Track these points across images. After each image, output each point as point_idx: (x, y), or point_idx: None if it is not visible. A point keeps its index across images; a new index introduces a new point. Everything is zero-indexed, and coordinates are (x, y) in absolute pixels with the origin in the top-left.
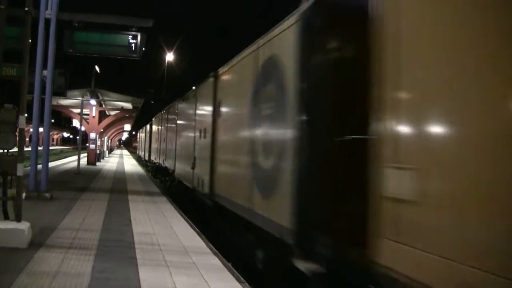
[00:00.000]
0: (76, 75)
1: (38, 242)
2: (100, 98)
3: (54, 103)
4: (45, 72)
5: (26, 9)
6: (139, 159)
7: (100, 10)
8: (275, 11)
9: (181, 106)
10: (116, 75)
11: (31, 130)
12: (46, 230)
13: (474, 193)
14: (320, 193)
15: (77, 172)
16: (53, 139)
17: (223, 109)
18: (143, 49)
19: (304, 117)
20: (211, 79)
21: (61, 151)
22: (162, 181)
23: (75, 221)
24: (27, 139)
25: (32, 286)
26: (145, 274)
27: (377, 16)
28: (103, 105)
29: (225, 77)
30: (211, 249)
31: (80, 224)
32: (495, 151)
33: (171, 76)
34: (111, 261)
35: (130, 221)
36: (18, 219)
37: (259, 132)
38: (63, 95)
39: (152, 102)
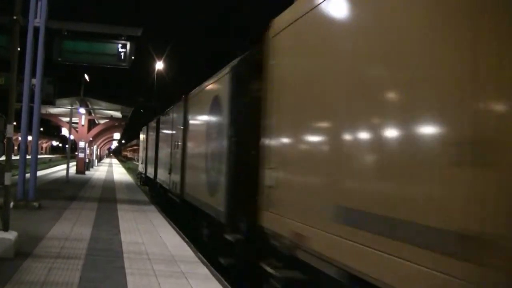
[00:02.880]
0: (65, 83)
1: (25, 251)
2: (90, 106)
3: (43, 111)
4: (34, 81)
5: (15, 17)
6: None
7: (90, 19)
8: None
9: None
10: (106, 84)
11: (20, 138)
12: (34, 240)
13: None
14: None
15: (66, 181)
16: (41, 147)
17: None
18: (132, 58)
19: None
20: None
21: (50, 159)
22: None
23: (63, 230)
24: (16, 147)
25: None
26: (133, 284)
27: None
28: (92, 114)
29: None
30: (199, 258)
31: (68, 233)
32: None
33: (161, 85)
34: (99, 270)
35: (119, 230)
36: (5, 228)
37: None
38: (52, 103)
39: (141, 111)
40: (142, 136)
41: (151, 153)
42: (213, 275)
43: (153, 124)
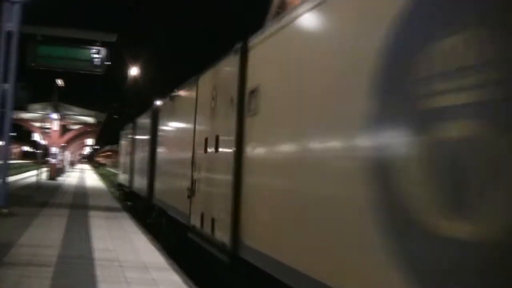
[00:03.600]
0: (38, 88)
1: None
2: (62, 112)
3: (14, 116)
4: (6, 86)
5: None
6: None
7: (65, 24)
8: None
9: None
10: (80, 89)
11: None
12: (4, 247)
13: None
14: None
15: (37, 187)
16: (13, 153)
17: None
18: (107, 63)
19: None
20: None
21: (21, 165)
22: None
23: (34, 237)
24: None
25: None
26: None
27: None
28: (65, 119)
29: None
30: (171, 265)
31: (40, 240)
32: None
33: (136, 90)
34: (71, 278)
35: (91, 237)
36: None
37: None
38: (24, 109)
39: (115, 116)
40: (127, 136)
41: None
42: (185, 282)
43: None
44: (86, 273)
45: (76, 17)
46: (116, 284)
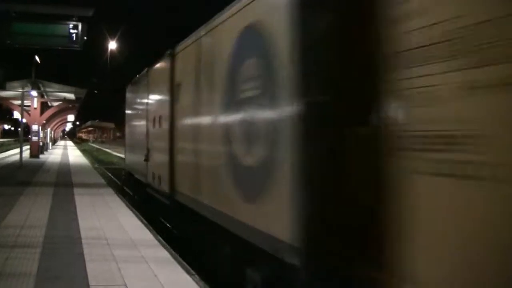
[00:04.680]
0: (16, 65)
1: None
2: (42, 89)
3: None
4: None
5: None
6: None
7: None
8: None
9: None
10: (59, 66)
11: None
12: None
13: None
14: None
15: (19, 165)
16: None
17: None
18: (85, 39)
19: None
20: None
21: (2, 144)
22: None
23: (18, 218)
24: None
25: None
26: (93, 271)
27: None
28: (45, 96)
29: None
30: (159, 241)
31: (24, 221)
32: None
33: (115, 65)
34: (58, 258)
35: (76, 215)
36: None
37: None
38: (3, 87)
39: (95, 91)
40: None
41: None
42: (174, 258)
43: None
44: (74, 253)
45: None
46: (105, 262)
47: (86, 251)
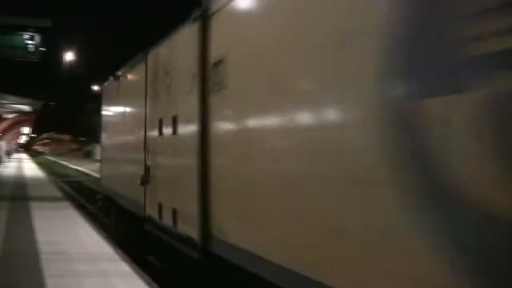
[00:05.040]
0: None
1: None
2: None
3: None
4: None
5: None
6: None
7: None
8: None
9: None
10: (15, 77)
11: None
12: None
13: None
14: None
15: None
16: None
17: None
18: (42, 50)
19: None
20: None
21: None
22: None
23: None
24: None
25: None
26: (52, 286)
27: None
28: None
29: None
30: (119, 255)
31: None
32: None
33: (74, 77)
34: (16, 275)
35: (35, 230)
36: None
37: None
38: None
39: (52, 103)
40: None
41: None
42: (136, 272)
43: None
44: (32, 269)
45: (8, 2)
46: (65, 278)
47: (45, 266)
